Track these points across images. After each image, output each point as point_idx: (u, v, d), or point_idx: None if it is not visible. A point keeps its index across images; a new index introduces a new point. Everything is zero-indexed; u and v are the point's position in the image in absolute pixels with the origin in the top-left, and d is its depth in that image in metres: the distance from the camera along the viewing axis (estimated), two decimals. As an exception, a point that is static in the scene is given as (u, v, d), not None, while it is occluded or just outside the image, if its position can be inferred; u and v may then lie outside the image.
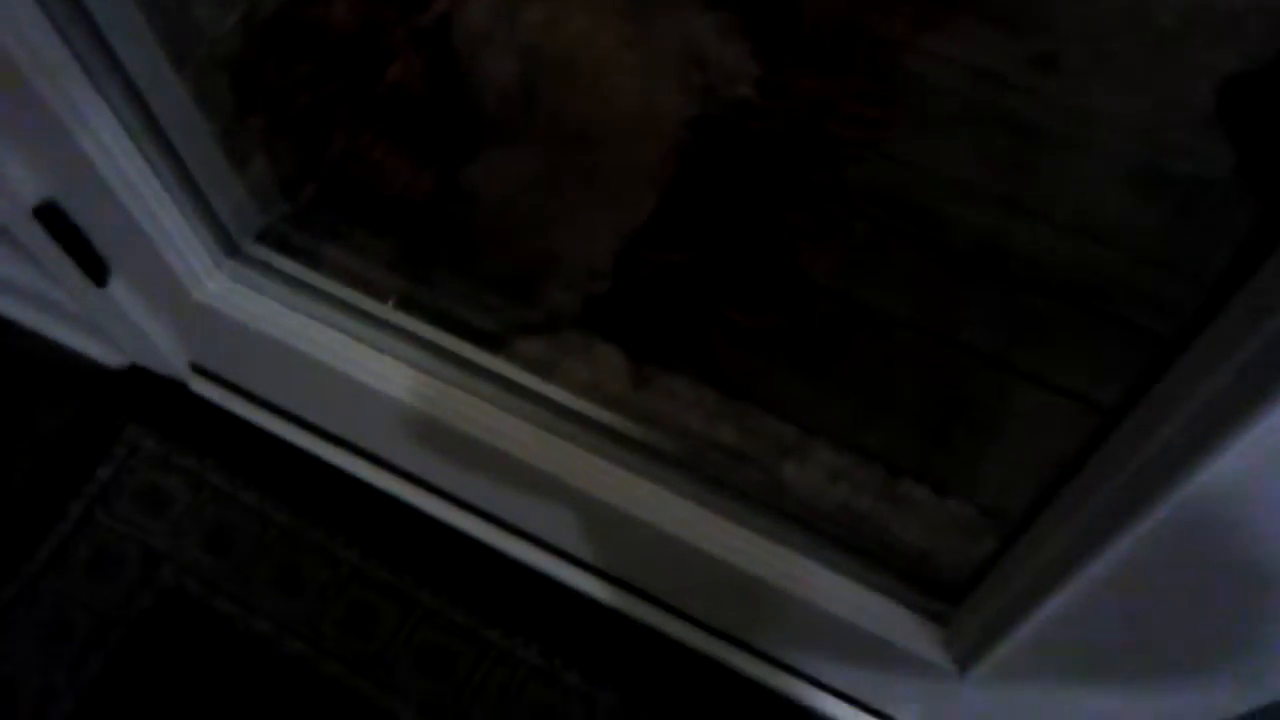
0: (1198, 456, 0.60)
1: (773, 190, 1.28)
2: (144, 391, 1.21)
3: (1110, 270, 1.20)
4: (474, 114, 1.29)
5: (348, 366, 0.97)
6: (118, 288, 1.04)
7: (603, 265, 1.20)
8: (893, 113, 1.33)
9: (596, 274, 1.19)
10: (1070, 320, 1.18)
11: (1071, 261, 1.21)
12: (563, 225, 1.22)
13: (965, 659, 0.85)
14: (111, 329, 1.12)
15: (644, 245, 1.22)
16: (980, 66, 1.35)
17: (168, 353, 1.15)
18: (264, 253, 1.02)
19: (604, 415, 0.95)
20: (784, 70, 1.34)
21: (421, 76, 1.34)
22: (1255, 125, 1.23)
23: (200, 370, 1.19)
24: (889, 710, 1.02)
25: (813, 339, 1.19)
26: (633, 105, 1.26)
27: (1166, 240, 1.22)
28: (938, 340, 1.18)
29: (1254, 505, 0.61)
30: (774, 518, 0.93)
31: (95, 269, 1.01)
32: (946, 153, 1.30)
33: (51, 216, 0.95)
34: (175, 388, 1.20)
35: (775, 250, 1.24)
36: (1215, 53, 1.29)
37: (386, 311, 0.99)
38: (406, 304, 1.07)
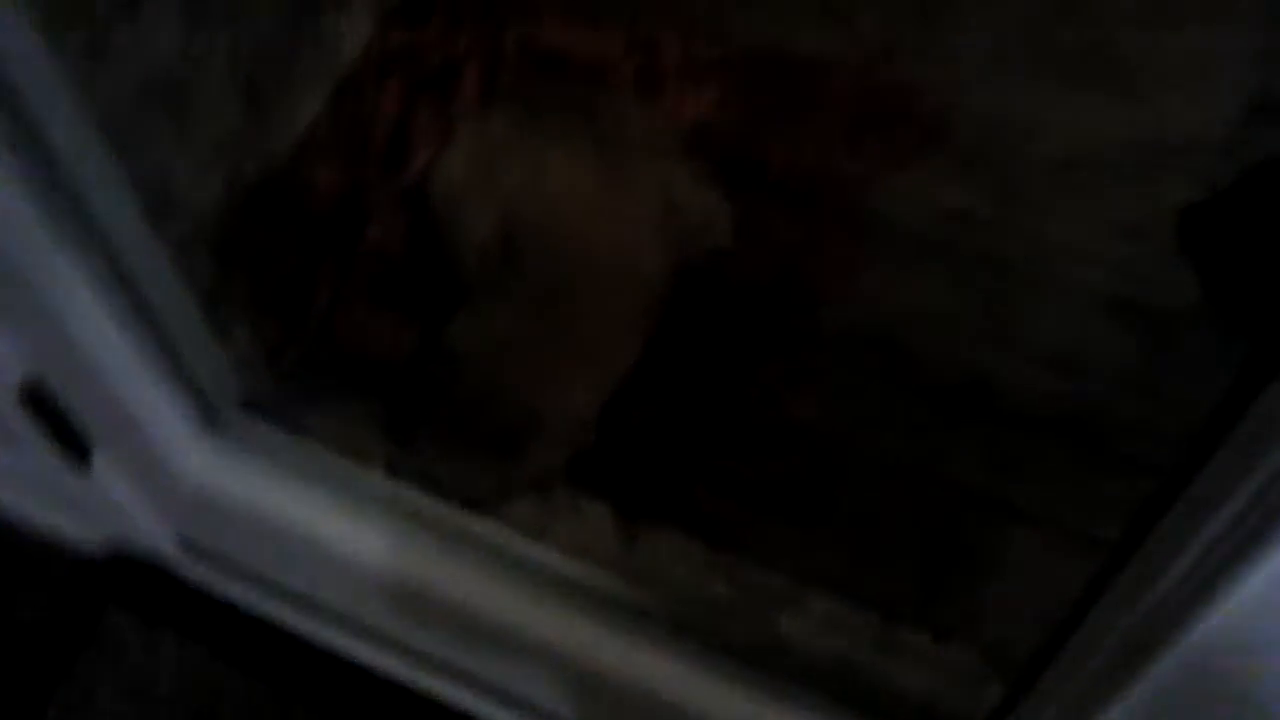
0: (1200, 607, 0.59)
1: (753, 337, 1.29)
2: (125, 573, 1.18)
3: (1093, 401, 1.21)
4: (455, 272, 1.30)
5: (335, 538, 0.95)
6: (99, 465, 1.03)
7: (588, 419, 1.20)
8: (866, 253, 1.35)
9: (582, 429, 1.19)
10: (1058, 454, 1.18)
11: (1054, 394, 1.22)
12: (546, 381, 1.22)
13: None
14: (91, 508, 1.11)
15: (628, 397, 1.22)
16: (948, 203, 1.37)
17: (150, 531, 1.13)
18: (248, 422, 1.02)
19: (594, 577, 0.94)
20: (757, 216, 1.36)
21: (402, 236, 1.36)
22: (1216, 253, 1.25)
23: (184, 547, 1.17)
24: None
25: (801, 485, 1.18)
26: (612, 257, 1.28)
27: (1147, 369, 1.23)
28: (927, 480, 1.17)
29: (1262, 648, 0.60)
30: (771, 673, 0.91)
31: (77, 448, 1.00)
32: (922, 291, 1.32)
33: (34, 396, 0.95)
34: (157, 569, 1.18)
35: (759, 397, 1.24)
36: (1172, 182, 1.32)
37: (372, 479, 0.98)
38: (392, 469, 1.06)
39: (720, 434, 1.22)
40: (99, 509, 1.10)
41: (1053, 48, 1.44)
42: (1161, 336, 1.25)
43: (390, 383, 1.23)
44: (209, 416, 1.00)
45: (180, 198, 1.16)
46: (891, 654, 1.03)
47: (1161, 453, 1.13)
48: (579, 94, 1.46)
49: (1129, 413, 1.19)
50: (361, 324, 1.28)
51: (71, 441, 0.99)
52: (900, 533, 1.14)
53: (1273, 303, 1.14)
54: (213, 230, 1.21)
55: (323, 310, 1.29)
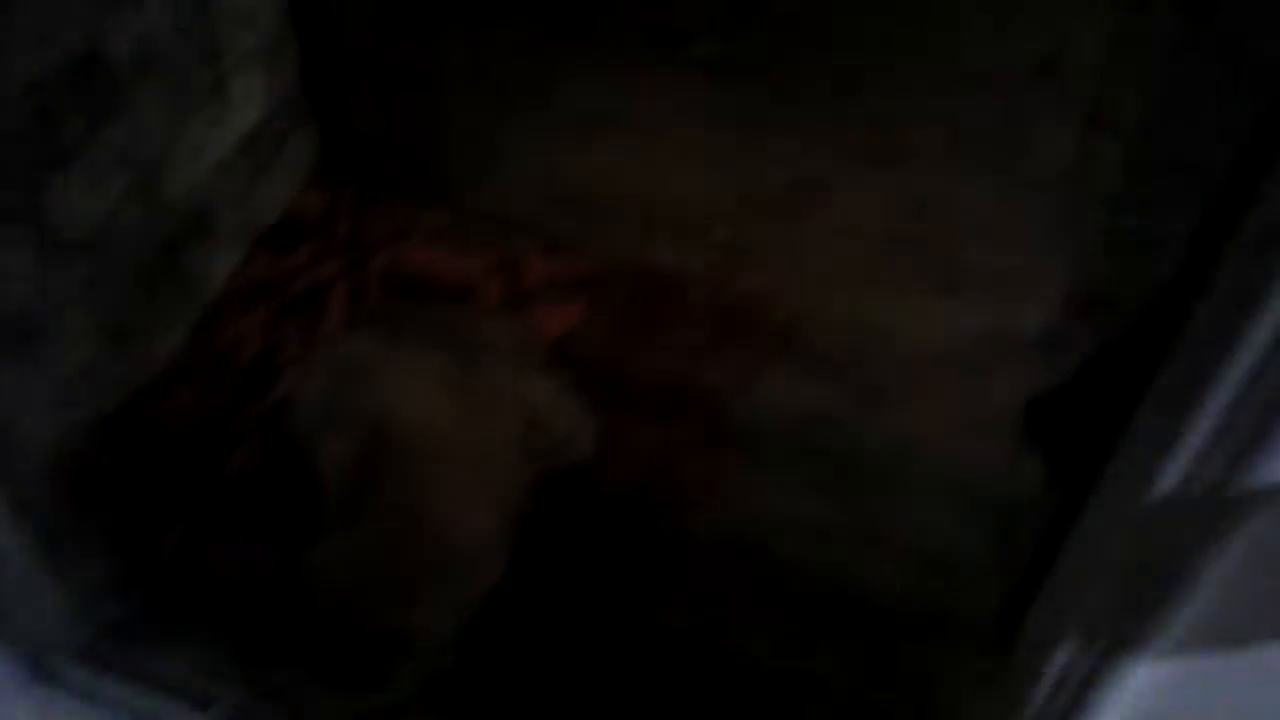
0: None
1: (619, 547, 1.29)
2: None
3: (955, 596, 1.23)
4: (316, 495, 1.29)
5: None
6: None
7: (450, 638, 1.18)
8: (728, 459, 1.37)
9: (444, 649, 1.17)
10: (924, 652, 1.19)
11: (916, 591, 1.24)
12: (408, 602, 1.20)
13: None
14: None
15: (491, 615, 1.20)
16: (805, 406, 1.41)
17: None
18: (82, 672, 0.98)
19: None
20: (622, 426, 1.38)
21: (263, 462, 1.35)
22: (1057, 442, 1.30)
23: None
24: None
25: (672, 698, 1.16)
26: (473, 474, 1.28)
27: (1003, 559, 1.25)
28: (797, 687, 1.17)
29: None
30: None
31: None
32: (784, 493, 1.34)
33: None
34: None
35: (625, 608, 1.24)
36: (1012, 376, 1.38)
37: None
38: (241, 711, 1.02)
39: (587, 648, 1.20)
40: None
41: (894, 254, 1.52)
42: (1010, 526, 1.28)
43: (247, 614, 1.20)
44: (40, 668, 0.96)
45: (26, 436, 1.14)
46: None
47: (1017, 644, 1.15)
48: (445, 313, 1.50)
49: (988, 604, 1.21)
50: (218, 552, 1.25)
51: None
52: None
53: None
54: (62, 465, 1.19)
55: (177, 541, 1.27)
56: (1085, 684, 0.53)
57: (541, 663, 1.20)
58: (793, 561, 1.28)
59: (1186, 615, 0.51)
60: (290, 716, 1.04)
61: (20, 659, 0.94)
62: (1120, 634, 0.49)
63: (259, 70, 1.44)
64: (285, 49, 1.48)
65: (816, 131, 1.63)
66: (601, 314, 1.51)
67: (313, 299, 1.50)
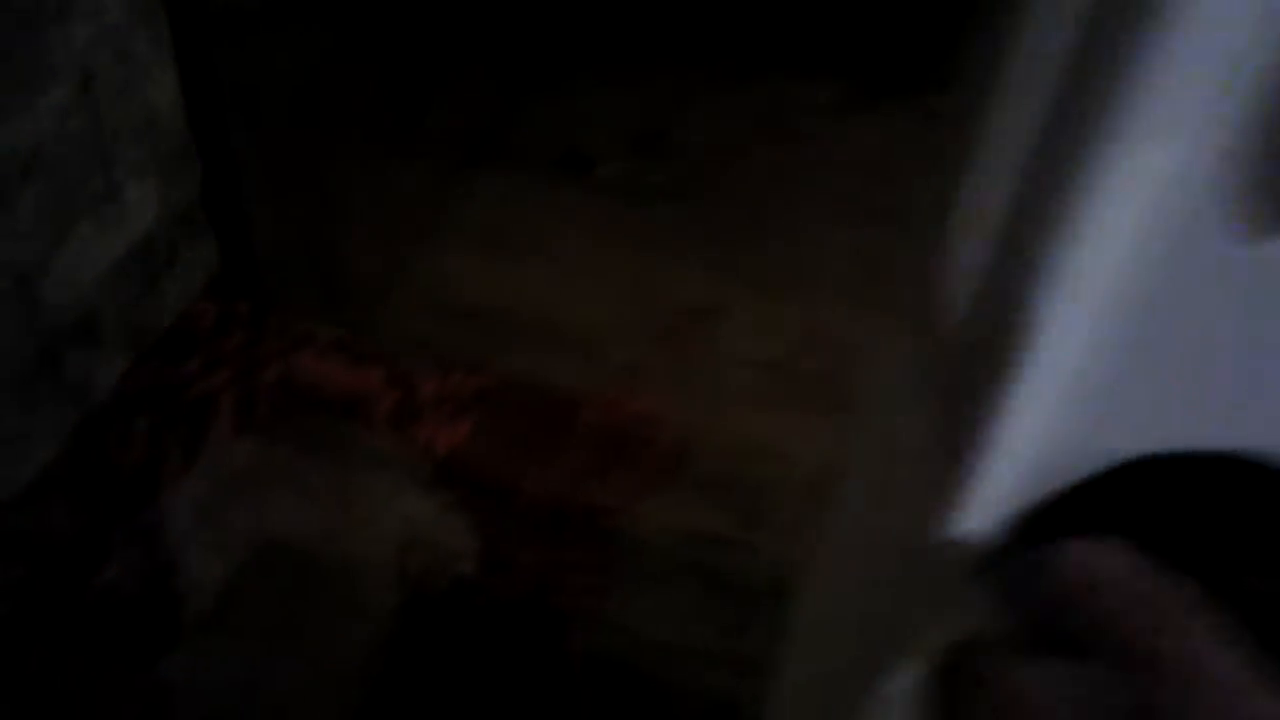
0: None
1: (498, 667, 1.26)
2: None
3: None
4: (182, 609, 1.25)
5: None
6: None
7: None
8: (614, 580, 1.36)
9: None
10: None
11: (795, 719, 1.22)
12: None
13: None
14: None
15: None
16: (697, 530, 1.41)
17: None
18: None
19: None
20: (504, 544, 1.37)
21: (132, 576, 1.31)
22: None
23: None
24: None
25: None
26: (345, 593, 1.25)
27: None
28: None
29: None
30: None
31: None
32: (668, 616, 1.32)
33: None
34: None
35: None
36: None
37: None
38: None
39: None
40: None
41: (788, 381, 1.54)
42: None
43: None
44: None
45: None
46: None
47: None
48: (332, 428, 1.48)
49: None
50: (76, 671, 1.20)
51: None
52: None
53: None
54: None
55: (35, 659, 1.21)
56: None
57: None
58: (673, 687, 1.26)
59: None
60: None
61: None
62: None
63: (155, 179, 1.44)
64: (184, 159, 1.48)
65: (716, 258, 1.67)
66: (491, 432, 1.50)
67: (200, 410, 1.47)
